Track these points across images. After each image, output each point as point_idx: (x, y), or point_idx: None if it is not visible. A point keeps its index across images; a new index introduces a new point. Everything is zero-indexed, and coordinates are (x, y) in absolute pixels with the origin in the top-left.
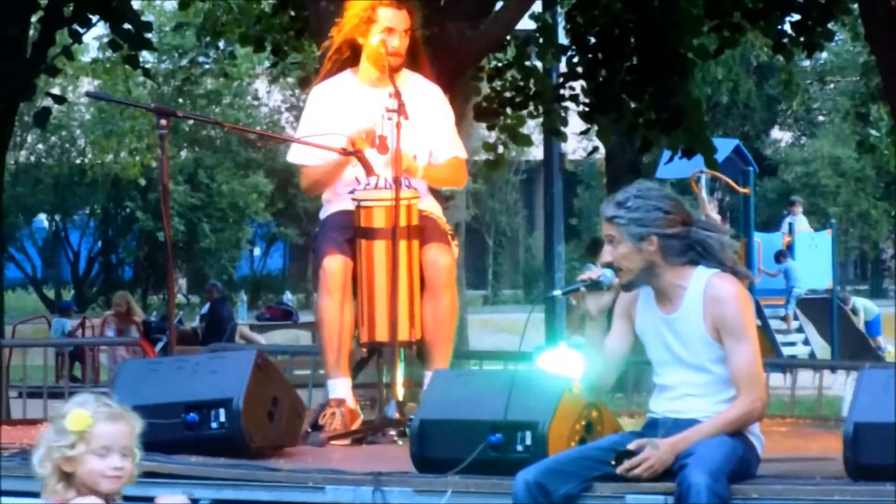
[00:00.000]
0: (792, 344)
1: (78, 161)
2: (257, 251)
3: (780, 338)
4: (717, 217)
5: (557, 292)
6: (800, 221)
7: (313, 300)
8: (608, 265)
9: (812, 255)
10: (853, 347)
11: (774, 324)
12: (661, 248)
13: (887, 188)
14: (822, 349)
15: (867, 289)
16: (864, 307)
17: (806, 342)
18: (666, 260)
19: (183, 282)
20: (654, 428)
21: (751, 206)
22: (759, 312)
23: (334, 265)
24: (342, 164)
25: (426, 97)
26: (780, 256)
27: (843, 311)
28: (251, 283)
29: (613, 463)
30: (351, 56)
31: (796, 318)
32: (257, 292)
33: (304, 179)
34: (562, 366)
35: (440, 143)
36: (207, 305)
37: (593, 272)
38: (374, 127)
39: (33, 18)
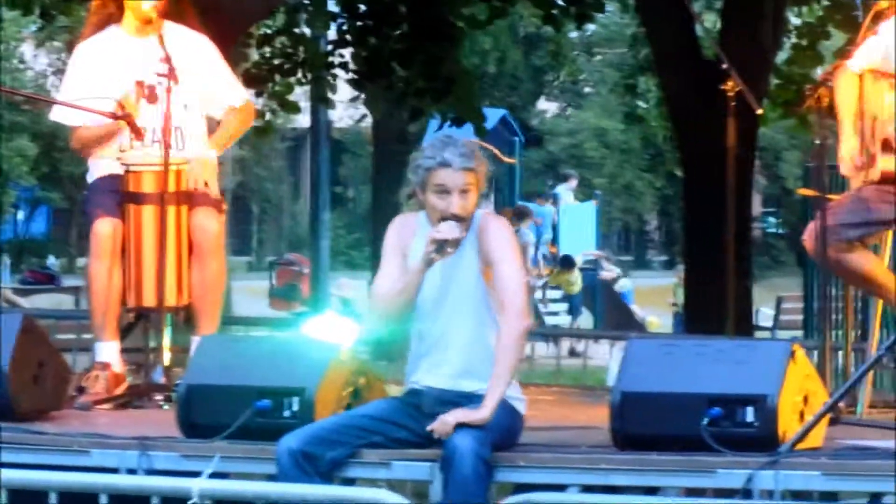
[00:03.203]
0: (555, 314)
1: None
2: (21, 215)
3: (541, 307)
4: None
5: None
6: (567, 194)
7: (77, 264)
8: (456, 218)
9: (576, 226)
10: (616, 318)
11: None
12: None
13: (652, 160)
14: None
15: (631, 260)
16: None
17: (569, 312)
18: None
19: None
20: (417, 396)
21: (516, 175)
22: None
23: (104, 229)
24: (116, 128)
25: (193, 48)
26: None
27: (607, 282)
28: (14, 247)
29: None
30: (117, 12)
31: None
32: (20, 256)
33: (74, 140)
34: (329, 332)
35: (218, 93)
36: None
37: (445, 231)
38: (143, 78)
39: None
